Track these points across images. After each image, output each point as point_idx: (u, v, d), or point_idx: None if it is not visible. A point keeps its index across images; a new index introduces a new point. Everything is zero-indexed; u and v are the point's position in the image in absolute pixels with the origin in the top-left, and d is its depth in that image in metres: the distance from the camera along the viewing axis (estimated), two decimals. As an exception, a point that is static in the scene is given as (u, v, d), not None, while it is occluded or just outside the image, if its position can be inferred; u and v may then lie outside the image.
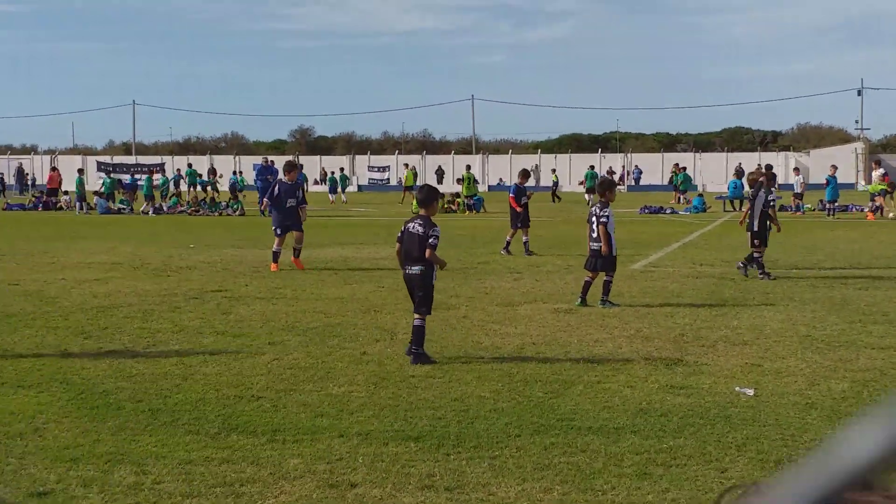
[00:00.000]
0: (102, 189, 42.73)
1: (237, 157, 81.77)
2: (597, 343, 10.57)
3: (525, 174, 22.43)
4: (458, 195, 42.09)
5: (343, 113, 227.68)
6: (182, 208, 40.54)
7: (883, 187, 35.38)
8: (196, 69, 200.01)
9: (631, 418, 7.44)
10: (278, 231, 18.08)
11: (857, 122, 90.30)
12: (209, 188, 48.66)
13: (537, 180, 68.44)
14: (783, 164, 68.51)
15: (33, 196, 49.54)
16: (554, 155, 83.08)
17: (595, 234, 13.29)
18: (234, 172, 52.31)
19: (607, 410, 7.69)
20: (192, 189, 50.77)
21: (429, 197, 10.08)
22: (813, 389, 8.43)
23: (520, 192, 21.19)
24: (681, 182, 48.82)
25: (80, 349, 10.20)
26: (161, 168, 56.04)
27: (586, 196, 47.91)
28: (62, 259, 19.81)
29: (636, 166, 78.72)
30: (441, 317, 11.68)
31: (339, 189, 53.54)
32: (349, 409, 7.76)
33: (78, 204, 41.49)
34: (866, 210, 36.04)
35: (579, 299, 13.21)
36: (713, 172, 71.89)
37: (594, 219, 13.33)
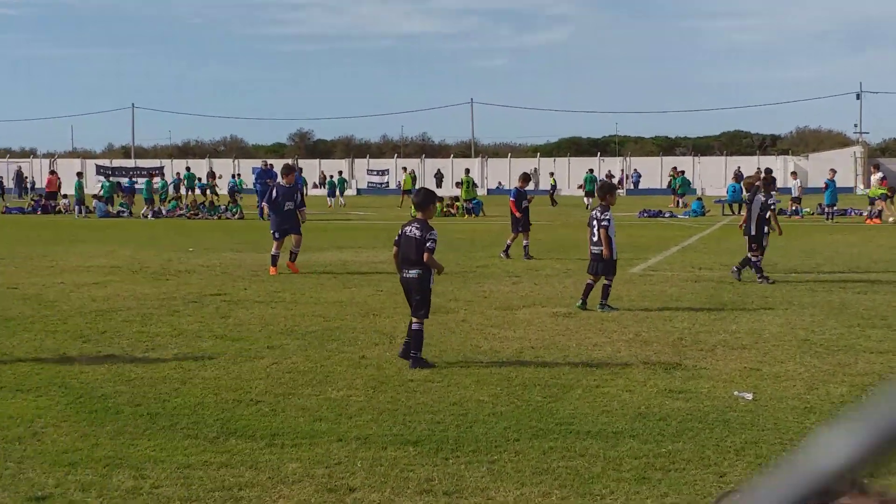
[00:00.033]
0: (101, 192, 42.72)
1: (236, 161, 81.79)
2: (596, 347, 10.57)
3: (525, 178, 22.35)
4: (457, 199, 42.10)
5: (342, 116, 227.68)
6: (181, 212, 40.54)
7: (883, 191, 35.39)
8: (195, 72, 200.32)
9: (630, 422, 7.44)
10: (276, 235, 18.06)
11: (855, 125, 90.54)
12: (208, 191, 48.69)
13: (536, 184, 68.45)
14: (782, 168, 68.55)
15: (32, 199, 49.50)
16: (553, 158, 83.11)
17: (595, 238, 13.29)
18: (233, 176, 52.37)
19: (606, 414, 7.70)
20: (189, 192, 50.80)
21: (425, 200, 10.03)
22: (811, 394, 8.43)
23: (520, 195, 21.17)
24: (679, 186, 48.87)
25: (78, 353, 10.20)
26: (160, 171, 56.07)
27: (585, 200, 47.94)
28: (61, 263, 19.81)
29: (635, 170, 78.78)
30: (440, 320, 11.68)
31: (338, 192, 53.59)
32: (348, 413, 7.76)
33: (77, 207, 41.49)
34: (865, 214, 36.06)
35: (580, 301, 13.22)
36: (712, 176, 71.94)
37: (595, 222, 13.33)
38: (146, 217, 39.35)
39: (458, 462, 6.47)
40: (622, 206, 40.03)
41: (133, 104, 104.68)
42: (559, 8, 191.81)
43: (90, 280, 16.66)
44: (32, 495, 5.83)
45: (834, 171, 38.08)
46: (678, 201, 47.37)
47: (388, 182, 78.08)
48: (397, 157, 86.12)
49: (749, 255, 16.35)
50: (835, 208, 36.13)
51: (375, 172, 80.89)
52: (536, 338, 11.09)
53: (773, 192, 17.13)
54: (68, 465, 6.37)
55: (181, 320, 12.32)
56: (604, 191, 14.13)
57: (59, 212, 44.02)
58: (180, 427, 7.33)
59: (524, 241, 20.71)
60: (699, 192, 57.72)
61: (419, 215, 9.89)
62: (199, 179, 53.81)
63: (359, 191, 76.12)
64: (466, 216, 39.73)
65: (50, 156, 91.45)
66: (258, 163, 54.96)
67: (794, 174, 44.93)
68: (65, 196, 46.36)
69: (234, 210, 39.08)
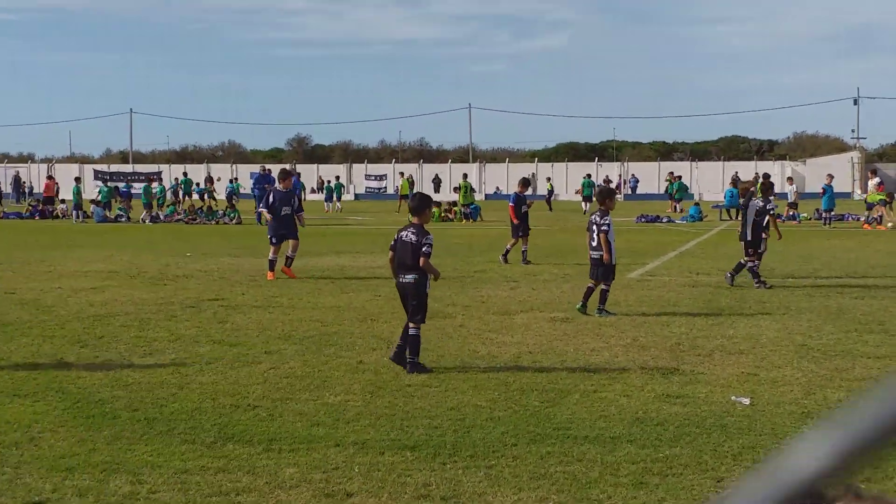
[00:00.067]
0: (99, 197, 42.70)
1: (234, 166, 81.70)
2: (593, 352, 10.57)
3: (525, 183, 22.26)
4: (454, 204, 42.12)
5: (340, 122, 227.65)
6: (179, 217, 40.54)
7: (881, 197, 35.42)
8: (193, 78, 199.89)
9: (627, 427, 7.44)
10: (273, 240, 18.05)
11: (853, 131, 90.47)
12: (206, 196, 48.66)
13: (534, 189, 68.47)
14: (779, 174, 68.57)
15: (30, 204, 49.47)
16: (551, 163, 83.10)
17: (595, 243, 13.31)
18: (231, 181, 52.35)
19: (604, 419, 7.70)
20: (186, 198, 50.77)
21: (421, 205, 10.03)
22: (809, 399, 8.44)
23: (520, 201, 21.15)
24: (676, 191, 48.90)
25: (76, 358, 10.19)
26: (158, 176, 56.00)
27: (583, 205, 47.96)
28: (59, 268, 19.80)
29: (633, 175, 78.78)
30: (437, 325, 11.68)
31: (335, 197, 53.62)
32: (345, 418, 7.76)
33: (74, 212, 41.47)
34: (862, 220, 36.08)
35: (580, 303, 13.24)
36: (710, 181, 71.91)
37: (594, 227, 13.35)
38: (144, 222, 39.35)
39: (456, 467, 6.47)
40: (620, 211, 39.96)
41: (131, 109, 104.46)
42: (557, 14, 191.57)
43: (88, 285, 16.65)
44: (30, 500, 5.83)
45: (831, 177, 38.18)
46: (676, 206, 47.39)
47: (385, 187, 78.08)
48: (395, 162, 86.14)
49: (744, 259, 16.37)
50: (832, 213, 36.18)
51: (373, 177, 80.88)
52: (534, 343, 11.09)
53: (771, 198, 17.13)
54: (65, 470, 6.37)
55: (179, 325, 12.32)
56: (603, 195, 14.20)
57: (57, 217, 44.01)
58: (177, 432, 7.33)
59: (523, 247, 20.70)
60: (697, 197, 57.69)
61: (415, 220, 9.90)
62: (198, 185, 53.76)
63: (357, 196, 76.10)
64: (464, 221, 39.76)
65: (48, 161, 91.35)
66: (256, 168, 54.95)
67: (790, 179, 44.97)
68: (62, 201, 46.33)
69: (232, 215, 39.09)
